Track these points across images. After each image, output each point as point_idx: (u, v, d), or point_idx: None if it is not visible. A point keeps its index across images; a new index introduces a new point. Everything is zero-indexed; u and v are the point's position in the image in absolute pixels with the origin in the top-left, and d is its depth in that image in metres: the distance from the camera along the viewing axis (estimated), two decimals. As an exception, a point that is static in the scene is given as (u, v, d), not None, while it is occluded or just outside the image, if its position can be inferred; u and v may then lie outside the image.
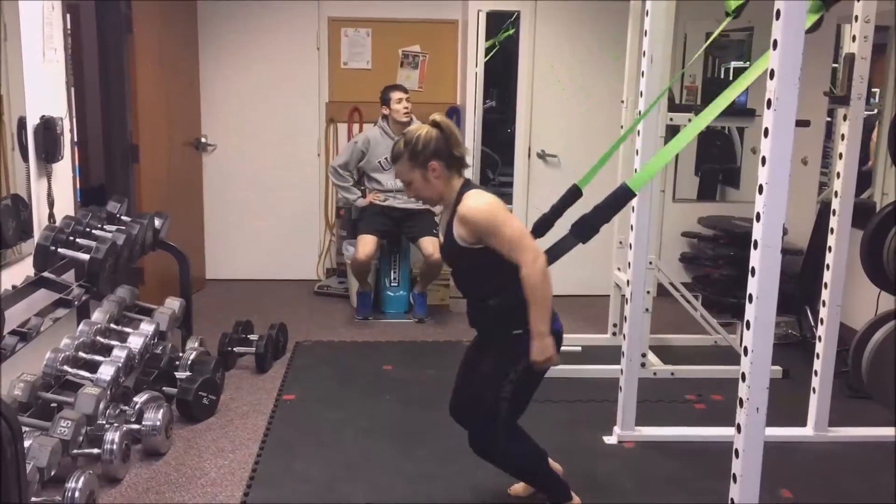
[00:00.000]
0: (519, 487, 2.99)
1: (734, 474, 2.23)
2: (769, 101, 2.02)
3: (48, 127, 3.48)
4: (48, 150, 3.49)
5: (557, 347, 2.61)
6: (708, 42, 3.32)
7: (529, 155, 5.65)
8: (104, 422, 3.07)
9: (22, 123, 3.33)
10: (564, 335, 2.68)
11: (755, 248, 2.09)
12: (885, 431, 3.53)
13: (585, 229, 2.57)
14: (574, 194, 2.93)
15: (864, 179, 4.54)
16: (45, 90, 3.57)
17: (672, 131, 4.89)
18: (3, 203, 3.14)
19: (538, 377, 2.65)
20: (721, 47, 6.19)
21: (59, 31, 3.68)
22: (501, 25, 5.94)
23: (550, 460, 2.87)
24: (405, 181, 2.65)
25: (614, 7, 5.10)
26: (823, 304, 3.38)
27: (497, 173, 6.72)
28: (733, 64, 6.33)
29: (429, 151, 2.56)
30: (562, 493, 2.82)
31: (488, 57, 5.83)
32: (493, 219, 2.50)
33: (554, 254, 2.58)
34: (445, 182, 2.60)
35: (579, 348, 4.51)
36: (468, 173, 2.70)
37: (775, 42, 1.99)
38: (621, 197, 2.57)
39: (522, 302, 2.49)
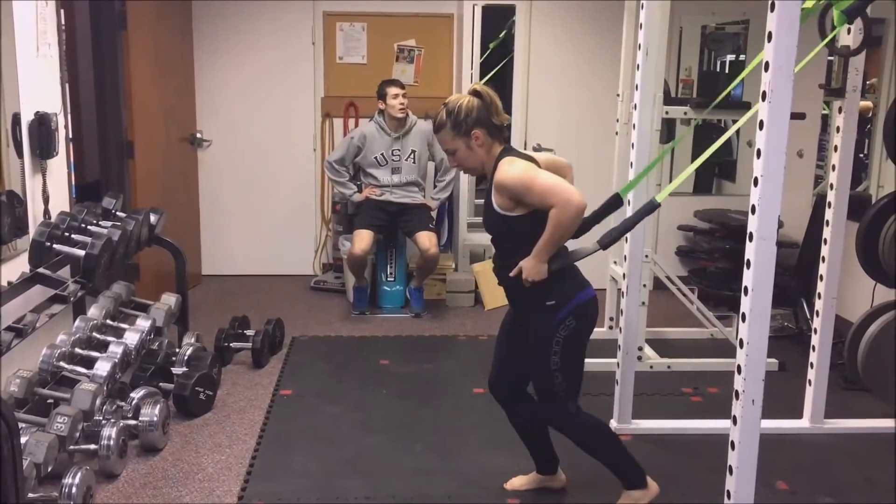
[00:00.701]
0: (517, 481, 3.00)
1: (730, 466, 2.24)
2: (764, 94, 2.02)
3: (43, 123, 3.47)
4: (43, 147, 3.48)
5: (593, 317, 2.66)
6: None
7: (525, 148, 5.64)
8: (101, 418, 3.08)
9: (16, 119, 3.32)
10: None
11: (750, 240, 2.10)
12: (881, 423, 3.54)
13: (611, 240, 2.60)
14: (615, 202, 2.81)
15: (860, 172, 4.56)
16: (40, 86, 3.56)
17: (668, 125, 4.92)
18: (-2, 199, 3.14)
19: (582, 338, 2.66)
20: (717, 40, 6.20)
21: (52, 27, 3.67)
22: (499, 20, 5.90)
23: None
24: (448, 150, 2.67)
25: (610, 1, 5.09)
26: (819, 297, 3.39)
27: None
28: (729, 57, 6.33)
29: (471, 120, 2.58)
30: (636, 476, 2.78)
31: (499, 60, 5.83)
32: (523, 177, 2.51)
33: (574, 257, 2.59)
34: (487, 150, 2.63)
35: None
36: None
37: (770, 34, 2.00)
38: (647, 211, 2.59)
39: (553, 273, 2.54)
